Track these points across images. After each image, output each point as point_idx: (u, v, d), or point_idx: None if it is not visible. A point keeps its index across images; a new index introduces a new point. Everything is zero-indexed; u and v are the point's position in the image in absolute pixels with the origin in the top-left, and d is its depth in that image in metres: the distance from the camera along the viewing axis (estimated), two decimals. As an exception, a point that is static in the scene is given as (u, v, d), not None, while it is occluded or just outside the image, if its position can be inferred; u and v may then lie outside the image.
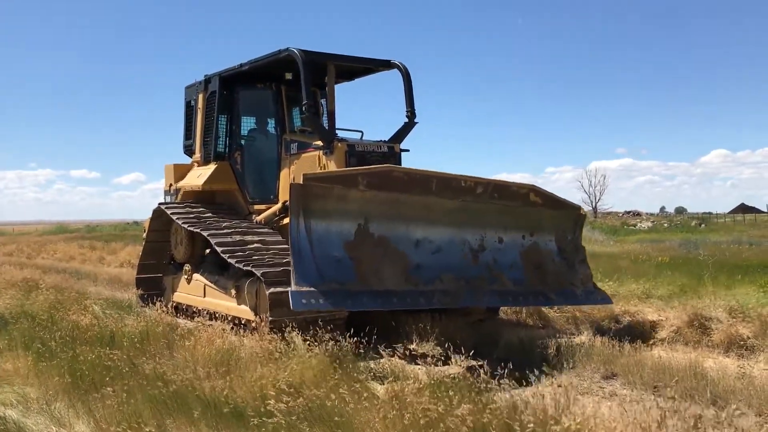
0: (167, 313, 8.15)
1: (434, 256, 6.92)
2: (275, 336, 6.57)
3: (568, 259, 7.97)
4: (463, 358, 5.73)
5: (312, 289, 6.00)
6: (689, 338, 7.29)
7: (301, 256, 6.13)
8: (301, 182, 6.26)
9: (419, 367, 5.95)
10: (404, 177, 6.78)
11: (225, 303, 8.44)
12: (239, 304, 8.11)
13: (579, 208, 8.34)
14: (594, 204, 68.99)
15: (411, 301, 6.55)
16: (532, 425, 3.74)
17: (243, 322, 7.98)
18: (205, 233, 8.41)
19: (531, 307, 8.44)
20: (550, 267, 7.79)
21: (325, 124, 8.91)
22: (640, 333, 7.50)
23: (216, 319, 8.17)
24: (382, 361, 6.22)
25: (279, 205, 8.67)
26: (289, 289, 6.05)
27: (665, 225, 46.03)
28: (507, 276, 7.35)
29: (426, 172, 7.10)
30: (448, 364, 5.71)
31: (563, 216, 8.05)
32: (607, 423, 3.80)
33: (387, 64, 9.06)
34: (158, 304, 8.44)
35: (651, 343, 6.75)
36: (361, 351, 6.23)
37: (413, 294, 6.56)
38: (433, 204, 6.93)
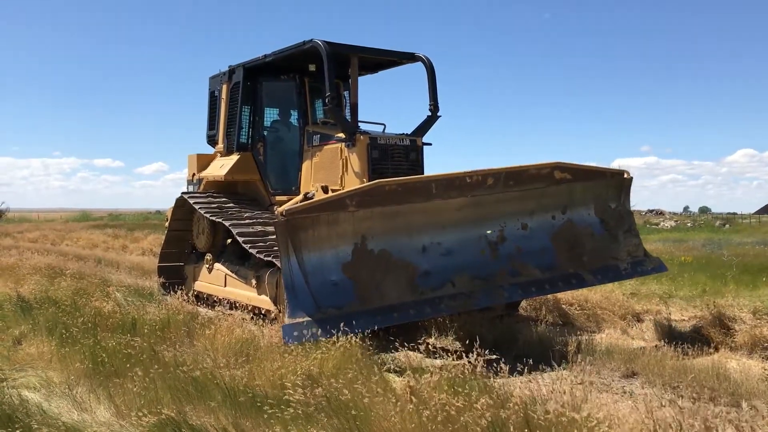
0: (188, 301, 8.22)
1: (445, 259, 6.70)
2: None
3: (611, 231, 7.67)
4: (481, 353, 5.70)
5: (306, 319, 5.86)
6: (712, 339, 7.20)
7: (294, 289, 6.00)
8: (284, 217, 6.03)
9: (438, 361, 5.94)
10: (398, 189, 6.49)
11: (245, 293, 8.50)
12: (259, 294, 8.16)
13: (622, 172, 7.93)
14: (617, 202, 68.11)
15: (414, 313, 6.37)
16: (550, 422, 3.72)
17: (263, 312, 8.03)
18: (226, 223, 8.46)
19: (560, 294, 8.20)
20: (588, 244, 7.50)
21: (348, 117, 8.91)
22: (661, 332, 7.41)
23: (236, 308, 8.22)
24: (400, 354, 6.21)
25: (300, 197, 8.69)
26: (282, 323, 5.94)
27: (689, 224, 45.44)
28: (533, 264, 7.10)
29: (423, 178, 6.89)
30: (467, 359, 5.70)
31: (603, 185, 7.73)
32: (624, 422, 3.76)
33: (411, 57, 9.02)
34: (179, 292, 8.52)
35: (672, 342, 6.67)
36: (381, 344, 6.23)
37: (418, 304, 6.36)
38: (439, 207, 6.70)
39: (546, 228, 7.38)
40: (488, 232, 7.04)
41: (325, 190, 8.08)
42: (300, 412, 4.16)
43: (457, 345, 6.51)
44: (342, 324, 5.77)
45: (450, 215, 6.82)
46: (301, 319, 5.88)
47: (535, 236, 7.28)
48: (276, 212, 6.22)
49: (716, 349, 6.87)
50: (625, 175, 7.93)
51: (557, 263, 7.28)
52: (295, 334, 5.79)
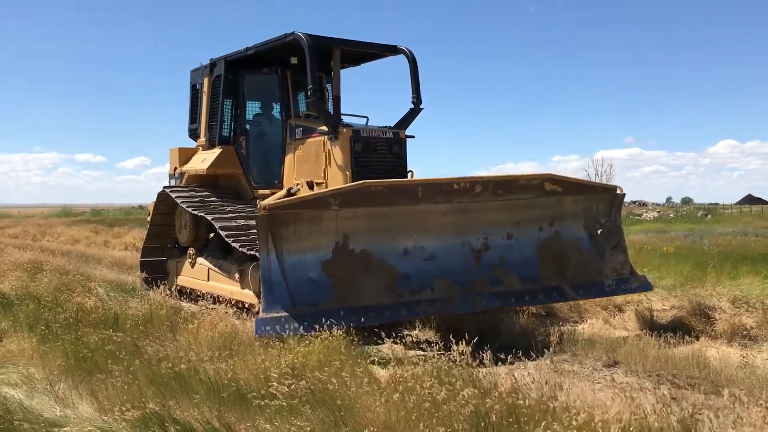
0: (171, 296, 8.18)
1: (426, 264, 6.69)
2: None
3: (599, 247, 7.61)
4: (464, 343, 5.73)
5: (280, 314, 5.86)
6: (692, 328, 7.28)
7: (271, 284, 6.02)
8: (266, 212, 6.04)
9: (421, 353, 5.96)
10: (384, 190, 6.49)
11: (228, 287, 8.47)
12: (243, 288, 8.14)
13: (614, 188, 7.91)
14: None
15: (389, 314, 6.37)
16: (532, 410, 3.75)
17: (246, 306, 8.01)
18: (209, 217, 8.42)
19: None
20: (574, 258, 7.45)
21: (331, 110, 8.88)
22: (643, 322, 7.48)
23: (219, 302, 8.19)
24: (384, 346, 6.23)
25: (283, 192, 8.66)
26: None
27: (671, 215, 45.90)
28: (515, 274, 7.07)
29: (410, 182, 6.86)
30: (450, 351, 5.74)
31: (594, 199, 7.67)
32: (606, 409, 3.80)
33: (393, 50, 9.00)
34: (162, 287, 8.47)
35: (654, 332, 6.74)
36: (365, 337, 6.24)
37: (394, 306, 6.35)
38: (424, 211, 6.68)
39: (532, 239, 7.32)
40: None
41: (310, 185, 8.06)
42: (285, 404, 4.16)
43: (440, 337, 6.52)
44: (316, 321, 5.76)
45: (435, 220, 6.79)
46: (275, 314, 5.88)
47: (520, 246, 7.23)
48: (258, 206, 6.21)
49: (697, 338, 6.95)
50: (618, 191, 7.89)
51: (540, 275, 7.23)
52: (268, 328, 5.80)
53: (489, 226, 7.08)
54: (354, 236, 6.40)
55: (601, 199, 7.75)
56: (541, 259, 7.31)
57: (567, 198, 7.48)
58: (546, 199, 7.33)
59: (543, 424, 3.57)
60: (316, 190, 8.02)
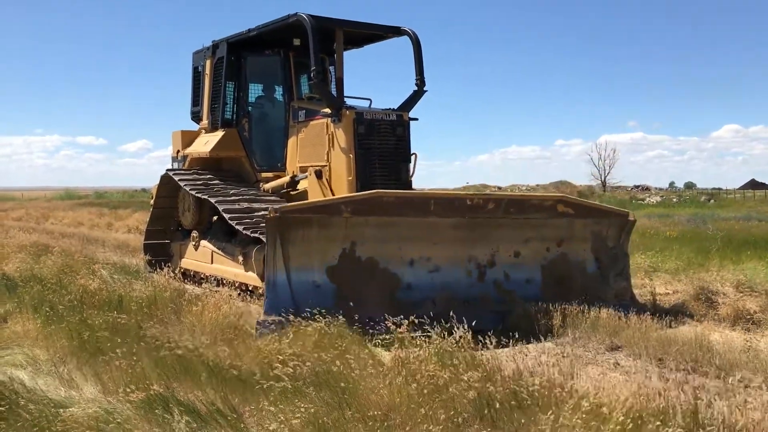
0: (175, 278, 8.19)
1: (430, 276, 6.67)
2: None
3: (603, 271, 7.60)
4: (467, 327, 5.72)
5: (280, 318, 5.82)
6: (696, 311, 7.28)
7: (275, 286, 6.01)
8: (277, 214, 6.02)
9: (425, 335, 5.96)
10: (396, 201, 6.49)
11: (232, 269, 8.48)
12: (246, 270, 8.14)
13: (626, 214, 7.91)
14: (603, 178, 68.84)
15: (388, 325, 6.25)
16: (536, 394, 3.75)
17: (250, 289, 8.02)
18: (212, 200, 8.41)
19: None
20: (578, 280, 7.41)
21: (334, 92, 8.83)
22: (646, 306, 7.48)
23: (223, 285, 8.21)
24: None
25: (287, 179, 8.65)
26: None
27: (674, 200, 45.83)
28: (518, 293, 7.01)
29: (423, 195, 6.85)
30: (453, 334, 5.75)
31: (604, 224, 7.66)
32: (611, 392, 3.80)
33: (397, 31, 8.92)
34: (166, 269, 8.48)
35: (657, 315, 6.74)
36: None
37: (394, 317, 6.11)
38: (434, 223, 6.64)
39: (538, 258, 7.31)
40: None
41: (318, 174, 8.02)
42: (289, 386, 4.17)
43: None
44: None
45: (444, 233, 6.75)
46: (276, 317, 5.85)
47: (526, 265, 7.22)
48: (269, 209, 6.17)
49: (700, 322, 6.95)
50: (630, 217, 7.88)
51: (541, 295, 7.13)
52: (267, 331, 5.74)
53: (497, 243, 7.05)
54: (361, 243, 6.38)
55: (612, 224, 7.74)
56: (544, 278, 7.31)
57: (578, 221, 7.49)
58: (557, 220, 7.33)
59: (549, 410, 3.57)
60: (324, 177, 7.98)
